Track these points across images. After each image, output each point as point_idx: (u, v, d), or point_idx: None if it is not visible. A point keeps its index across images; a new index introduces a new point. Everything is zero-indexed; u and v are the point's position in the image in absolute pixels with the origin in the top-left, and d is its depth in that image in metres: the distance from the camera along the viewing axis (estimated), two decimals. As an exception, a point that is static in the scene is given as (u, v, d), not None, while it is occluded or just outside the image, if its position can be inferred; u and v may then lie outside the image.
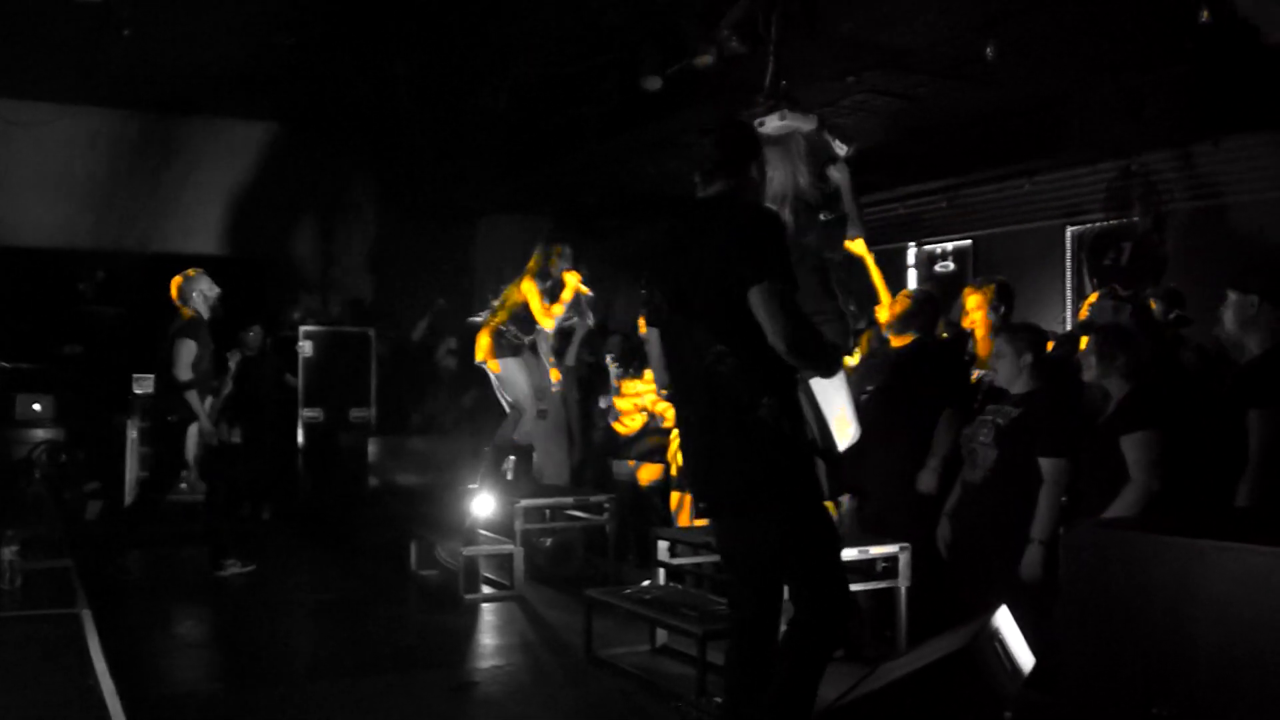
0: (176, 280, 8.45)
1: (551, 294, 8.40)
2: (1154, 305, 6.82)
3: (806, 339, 3.72)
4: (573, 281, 8.45)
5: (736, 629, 4.03)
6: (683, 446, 4.08)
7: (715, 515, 4.07)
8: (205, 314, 8.42)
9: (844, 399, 5.60)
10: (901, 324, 6.35)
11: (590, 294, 8.80)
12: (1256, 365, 4.55)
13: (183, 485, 9.02)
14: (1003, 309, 6.64)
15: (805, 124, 6.05)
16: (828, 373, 3.85)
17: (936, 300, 6.68)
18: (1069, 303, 10.51)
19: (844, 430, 5.85)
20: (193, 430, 8.46)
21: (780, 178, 5.79)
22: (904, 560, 5.68)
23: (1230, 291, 4.65)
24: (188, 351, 8.23)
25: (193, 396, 8.27)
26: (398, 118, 9.54)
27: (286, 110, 12.05)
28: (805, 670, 3.81)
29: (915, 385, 6.13)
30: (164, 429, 8.50)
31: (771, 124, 6.06)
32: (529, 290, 8.51)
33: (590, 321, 9.10)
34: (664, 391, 4.26)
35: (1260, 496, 4.28)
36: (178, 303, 8.41)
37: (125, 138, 11.99)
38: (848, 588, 3.95)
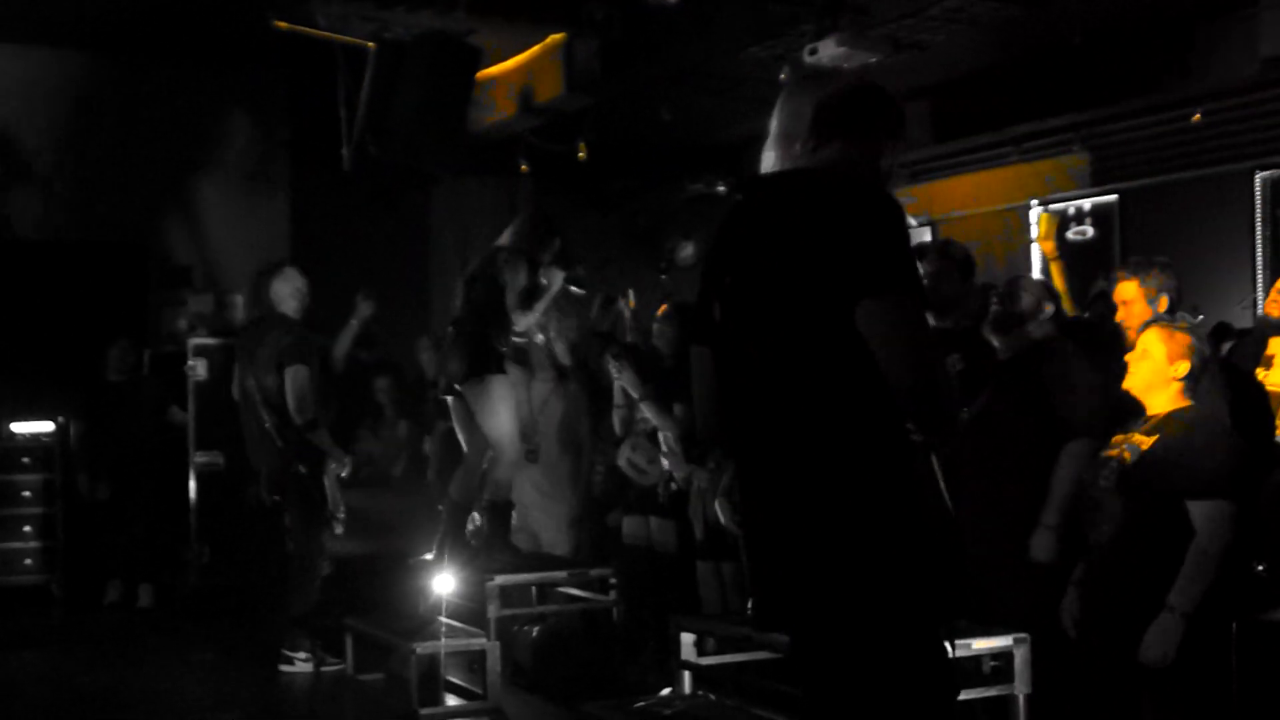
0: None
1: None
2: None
3: (936, 382, 3.54)
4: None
5: None
6: (743, 516, 3.90)
7: (771, 628, 3.96)
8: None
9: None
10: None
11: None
12: None
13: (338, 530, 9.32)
14: (1167, 300, 6.58)
15: (872, 53, 6.05)
16: (939, 438, 3.64)
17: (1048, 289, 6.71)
18: (1260, 281, 10.45)
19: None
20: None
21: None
22: (1021, 657, 5.62)
23: None
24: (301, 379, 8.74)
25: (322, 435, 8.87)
26: (317, 46, 9.55)
27: (157, 38, 11.97)
28: None
29: (1028, 405, 6.18)
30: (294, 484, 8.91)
31: (826, 51, 6.08)
32: None
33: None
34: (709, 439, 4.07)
35: None
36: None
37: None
38: None
